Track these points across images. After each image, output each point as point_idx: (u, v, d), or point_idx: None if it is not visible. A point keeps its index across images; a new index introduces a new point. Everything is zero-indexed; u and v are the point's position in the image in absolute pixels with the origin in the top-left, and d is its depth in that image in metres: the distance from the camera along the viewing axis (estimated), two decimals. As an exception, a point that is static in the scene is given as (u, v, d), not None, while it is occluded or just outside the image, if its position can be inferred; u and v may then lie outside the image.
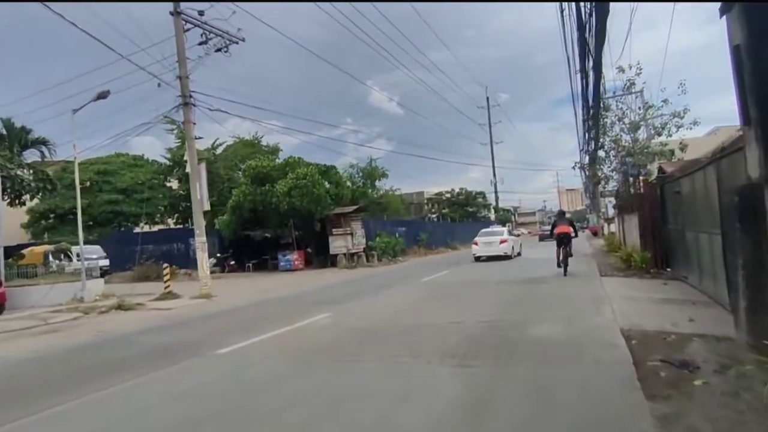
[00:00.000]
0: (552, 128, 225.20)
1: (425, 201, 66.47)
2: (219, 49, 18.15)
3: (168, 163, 40.32)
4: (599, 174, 21.41)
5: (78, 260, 28.01)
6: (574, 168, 25.60)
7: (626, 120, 18.63)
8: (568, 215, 17.71)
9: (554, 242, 15.31)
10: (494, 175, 62.67)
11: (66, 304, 15.57)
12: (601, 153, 20.38)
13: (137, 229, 40.58)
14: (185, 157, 18.67)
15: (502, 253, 23.49)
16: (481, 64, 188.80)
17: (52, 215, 38.95)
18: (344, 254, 25.88)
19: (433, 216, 63.36)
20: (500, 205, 69.55)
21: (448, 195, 64.59)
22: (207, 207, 16.21)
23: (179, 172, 38.84)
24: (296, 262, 26.02)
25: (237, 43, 18.34)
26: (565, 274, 14.24)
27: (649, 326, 6.79)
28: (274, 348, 7.07)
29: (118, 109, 51.05)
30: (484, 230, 27.20)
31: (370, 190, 50.07)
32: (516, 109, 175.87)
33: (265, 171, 26.20)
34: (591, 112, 12.85)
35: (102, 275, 28.14)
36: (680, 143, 18.22)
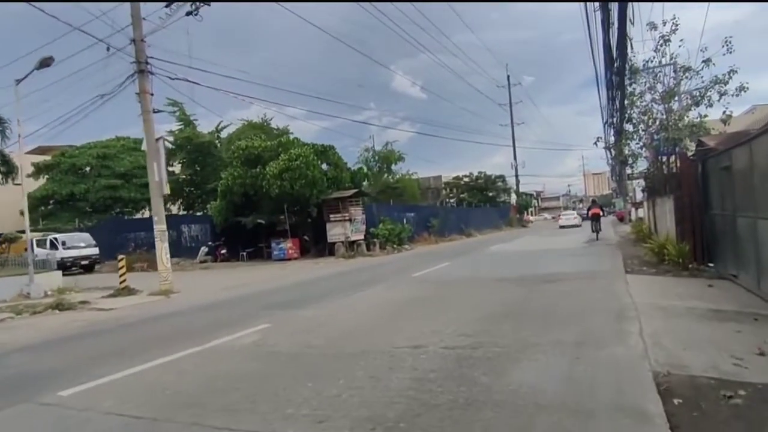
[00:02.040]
0: (578, 111, 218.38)
1: (443, 185, 63.57)
2: (189, 13, 15.97)
3: (170, 146, 38.49)
4: (626, 151, 18.57)
5: (65, 248, 26.61)
6: (596, 144, 22.55)
7: (658, 87, 15.80)
8: (597, 201, 27.98)
9: (589, 221, 24.83)
10: (515, 157, 59.74)
11: (10, 301, 13.82)
12: (628, 127, 17.55)
13: (138, 216, 39.14)
14: (147, 139, 16.46)
15: (575, 223, 41.44)
16: (506, 48, 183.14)
17: (51, 201, 37.49)
18: (342, 242, 23.66)
19: (451, 201, 60.62)
20: (522, 189, 66.37)
21: (467, 179, 61.46)
22: (166, 190, 14.15)
23: (182, 156, 37.18)
24: (290, 251, 23.91)
25: (209, 4, 16.13)
26: (597, 239, 22.23)
27: (699, 366, 4.40)
28: (137, 389, 4.89)
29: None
30: (563, 212, 53.47)
31: (385, 174, 47.89)
32: (541, 92, 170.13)
33: (257, 152, 24.01)
34: (616, 63, 10.14)
35: (91, 265, 26.74)
36: (723, 114, 15.30)
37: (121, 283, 13.99)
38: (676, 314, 6.58)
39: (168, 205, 40.87)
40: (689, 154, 13.62)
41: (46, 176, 37.97)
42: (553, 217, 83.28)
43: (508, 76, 59.21)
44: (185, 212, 38.53)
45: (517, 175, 60.37)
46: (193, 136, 36.52)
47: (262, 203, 24.54)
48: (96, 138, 41.06)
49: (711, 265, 10.64)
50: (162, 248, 14.01)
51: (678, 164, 12.73)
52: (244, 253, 25.85)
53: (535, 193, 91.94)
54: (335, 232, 24.00)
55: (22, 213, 38.51)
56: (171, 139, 37.70)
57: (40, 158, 40.19)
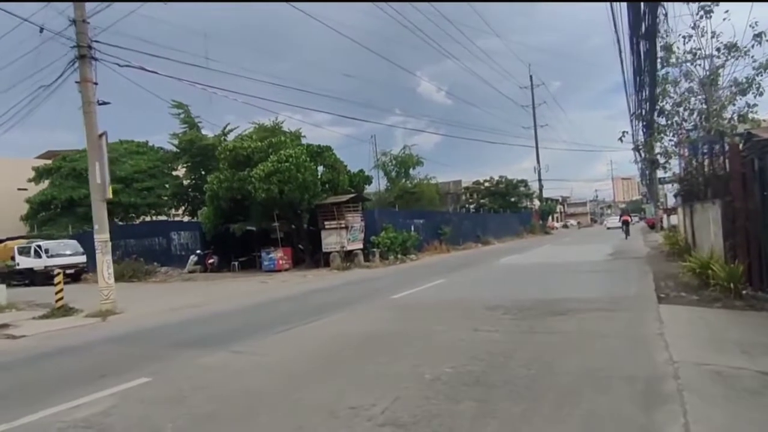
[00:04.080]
0: (608, 116, 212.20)
1: (462, 190, 60.86)
2: (154, -4, 14.12)
3: (174, 149, 36.98)
4: (657, 149, 15.86)
5: (49, 257, 24.99)
6: (621, 140, 19.31)
7: (698, 70, 13.17)
8: (627, 210, 41.84)
9: (620, 226, 35.78)
10: (537, 160, 56.73)
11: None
12: (660, 120, 14.89)
13: (137, 222, 37.73)
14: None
15: (618, 225, 41.78)
16: (533, 52, 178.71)
17: (51, 206, 36.28)
18: (338, 252, 21.40)
19: (471, 206, 57.86)
20: (547, 194, 62.96)
21: (488, 183, 58.54)
22: (109, 195, 12.11)
23: (186, 159, 35.57)
24: (281, 262, 21.77)
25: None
26: (626, 239, 29.65)
27: None
28: None
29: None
30: (609, 217, 66.02)
31: (403, 179, 45.74)
32: (569, 97, 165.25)
33: (245, 153, 21.99)
34: (644, 24, 7.63)
35: (78, 274, 24.99)
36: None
37: (57, 301, 12.01)
38: (744, 390, 4.09)
39: (169, 210, 39.51)
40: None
41: (47, 180, 36.96)
42: (577, 224, 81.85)
43: (531, 77, 56.32)
44: (189, 218, 36.90)
45: (540, 180, 57.32)
46: (197, 138, 34.81)
47: (252, 209, 22.55)
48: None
49: (772, 291, 8.05)
50: (103, 261, 11.97)
51: (726, 161, 10.10)
52: (236, 263, 23.85)
53: (560, 198, 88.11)
54: (330, 240, 21.79)
55: (22, 219, 37.61)
56: (175, 142, 36.33)
57: (45, 163, 39.24)
